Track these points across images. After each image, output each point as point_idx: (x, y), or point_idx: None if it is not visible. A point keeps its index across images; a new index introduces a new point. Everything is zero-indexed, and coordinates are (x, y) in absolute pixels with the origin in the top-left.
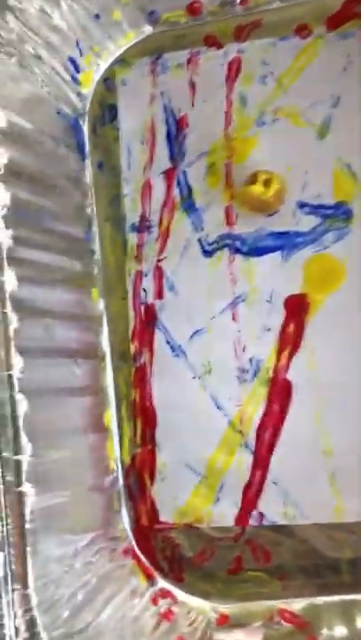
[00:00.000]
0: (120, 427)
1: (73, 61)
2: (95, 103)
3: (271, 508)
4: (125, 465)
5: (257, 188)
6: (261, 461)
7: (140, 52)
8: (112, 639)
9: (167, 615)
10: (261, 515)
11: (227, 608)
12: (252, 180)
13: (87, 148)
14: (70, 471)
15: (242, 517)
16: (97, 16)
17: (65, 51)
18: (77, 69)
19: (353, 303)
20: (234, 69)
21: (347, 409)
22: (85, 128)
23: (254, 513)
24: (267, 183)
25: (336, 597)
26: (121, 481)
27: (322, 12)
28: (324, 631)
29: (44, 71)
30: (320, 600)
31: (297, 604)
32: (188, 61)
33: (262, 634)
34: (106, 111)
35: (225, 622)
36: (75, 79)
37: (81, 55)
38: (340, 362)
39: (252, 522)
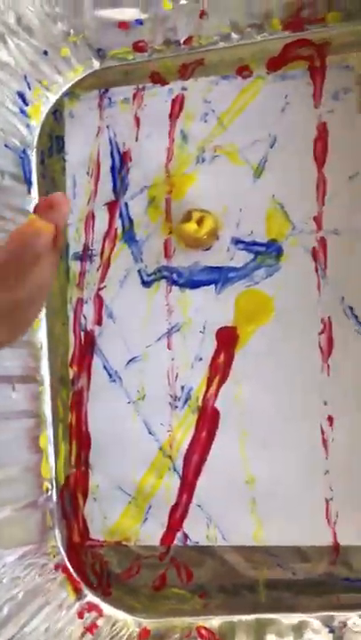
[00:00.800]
0: (56, 449)
1: (21, 95)
2: (44, 135)
3: (195, 530)
4: (60, 485)
5: (191, 226)
6: (188, 485)
7: (88, 86)
8: None
9: (91, 629)
10: (186, 535)
11: (149, 622)
12: (187, 217)
13: (34, 178)
14: (5, 489)
15: (167, 537)
16: (45, 52)
17: (13, 85)
18: (26, 102)
19: (279, 336)
20: (177, 106)
21: (269, 440)
22: (33, 159)
23: (179, 534)
24: (200, 222)
25: (252, 616)
26: (55, 500)
27: (263, 53)
28: None
29: None
30: (236, 618)
31: (215, 621)
32: (134, 96)
33: None
34: (54, 142)
35: (146, 636)
36: (23, 112)
37: (29, 89)
38: (264, 393)
39: (177, 542)
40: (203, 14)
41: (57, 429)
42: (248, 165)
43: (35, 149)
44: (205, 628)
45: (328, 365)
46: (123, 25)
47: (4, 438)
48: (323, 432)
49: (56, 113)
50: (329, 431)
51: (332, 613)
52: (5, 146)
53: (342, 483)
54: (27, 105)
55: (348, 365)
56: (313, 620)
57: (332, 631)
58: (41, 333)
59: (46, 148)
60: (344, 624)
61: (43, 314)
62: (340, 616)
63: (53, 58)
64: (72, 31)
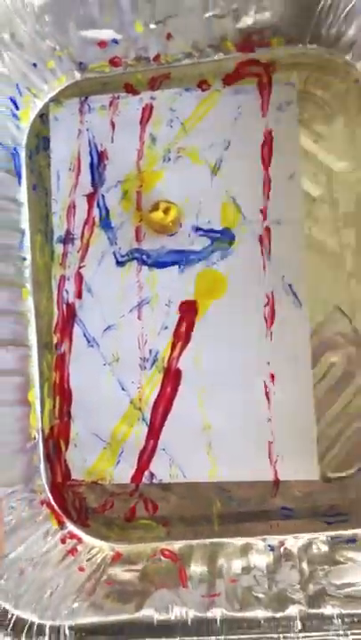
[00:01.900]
0: (42, 402)
1: (13, 101)
2: (32, 135)
3: (160, 469)
4: (45, 433)
5: (158, 215)
6: (154, 432)
7: (71, 94)
8: (26, 565)
9: (72, 551)
10: (152, 474)
11: (121, 547)
12: (155, 207)
13: (23, 172)
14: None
15: (137, 476)
16: (34, 64)
17: (7, 92)
18: (17, 107)
19: (232, 309)
20: (147, 113)
21: (223, 394)
22: (23, 155)
23: (147, 473)
24: (166, 211)
25: (206, 540)
26: (41, 446)
27: (220, 70)
28: (192, 565)
29: None
30: (194, 542)
31: (176, 545)
32: (110, 104)
33: None
34: (40, 142)
35: (119, 558)
36: (15, 115)
37: (20, 95)
38: (219, 355)
39: (145, 480)
40: (169, 36)
41: (43, 387)
42: (207, 165)
43: (24, 147)
44: (168, 550)
45: (271, 332)
46: (101, 43)
47: (1, 394)
48: (266, 387)
49: (42, 116)
50: (271, 386)
51: (272, 536)
52: (0, 144)
53: (282, 428)
54: (18, 109)
55: (286, 332)
56: (257, 541)
57: (272, 549)
58: (29, 305)
59: (34, 147)
60: (282, 543)
61: (30, 288)
62: (278, 538)
63: (41, 69)
64: (58, 47)
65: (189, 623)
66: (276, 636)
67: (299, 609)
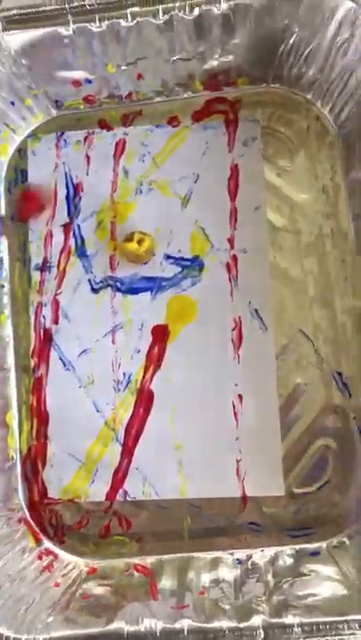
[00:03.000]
0: (20, 424)
1: None
2: (10, 168)
3: (133, 487)
4: (23, 454)
5: (132, 245)
6: (128, 452)
7: (47, 129)
8: (3, 581)
9: (49, 567)
10: (126, 492)
11: (96, 563)
12: (129, 238)
13: (2, 203)
14: None
15: (111, 494)
16: (12, 103)
17: None
18: None
19: (201, 332)
20: (120, 148)
21: (193, 414)
22: (1, 188)
23: (121, 491)
24: (140, 242)
25: (177, 555)
26: (19, 466)
27: (189, 107)
28: (163, 579)
29: None
30: (165, 557)
31: (148, 560)
32: (85, 139)
33: None
34: (18, 174)
35: (93, 573)
36: None
37: None
38: (190, 377)
39: (119, 497)
40: (139, 76)
41: (21, 409)
42: (177, 196)
43: (3, 180)
44: (141, 565)
45: (238, 355)
46: (75, 83)
47: None
48: (234, 407)
49: (20, 151)
50: (239, 406)
51: (240, 550)
52: None
53: (249, 446)
54: None
55: (253, 355)
56: (226, 555)
57: (240, 563)
58: (7, 330)
59: (12, 179)
60: (249, 557)
61: (8, 314)
62: (246, 552)
63: (19, 107)
64: (34, 86)
65: (158, 634)
66: None
67: (262, 619)
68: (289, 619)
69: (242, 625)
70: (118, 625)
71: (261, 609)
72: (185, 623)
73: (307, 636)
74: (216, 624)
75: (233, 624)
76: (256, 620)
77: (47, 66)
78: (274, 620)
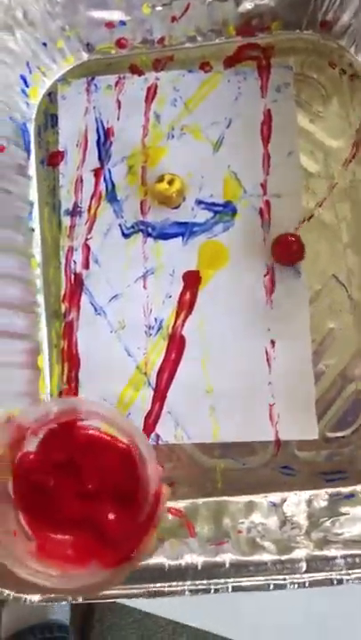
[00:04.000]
0: (51, 368)
1: (23, 78)
2: (40, 112)
3: (165, 432)
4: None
5: (162, 186)
6: (160, 396)
7: (78, 73)
8: None
9: None
10: (158, 436)
11: None
12: (160, 179)
13: (32, 147)
14: (10, 402)
15: None
16: (44, 44)
17: (17, 69)
18: (27, 84)
19: (233, 278)
20: (151, 93)
21: (225, 359)
22: (32, 131)
23: (153, 435)
24: (170, 182)
25: (211, 499)
26: None
27: (221, 53)
28: (198, 523)
29: (0, 85)
30: (199, 501)
31: (182, 503)
32: (116, 84)
33: None
34: (49, 119)
35: None
36: (24, 92)
37: (30, 73)
38: (222, 322)
39: (151, 441)
40: (174, 19)
41: (51, 353)
42: (208, 141)
43: (33, 123)
44: (174, 508)
45: (271, 300)
46: (109, 24)
47: (11, 357)
48: (267, 352)
49: (51, 95)
50: (271, 351)
51: (274, 493)
52: (10, 118)
53: (282, 391)
54: (27, 86)
55: (286, 300)
56: (259, 499)
57: (274, 506)
58: (38, 275)
59: (42, 124)
60: (284, 500)
61: (39, 259)
62: (280, 495)
63: (51, 49)
64: (67, 27)
65: (199, 568)
66: (282, 577)
67: (305, 552)
68: (331, 551)
69: (284, 557)
70: (159, 560)
71: (301, 545)
72: (226, 557)
73: (350, 568)
74: (257, 557)
75: (275, 557)
76: (298, 553)
77: (82, 5)
78: (316, 553)
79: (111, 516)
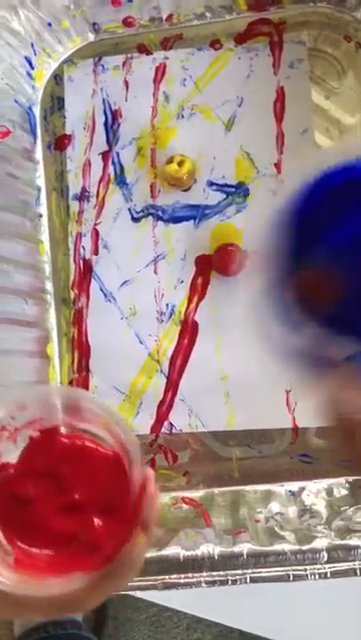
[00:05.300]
0: (60, 357)
1: (28, 60)
2: (46, 95)
3: (179, 420)
4: None
5: (172, 167)
6: (173, 383)
7: (85, 54)
8: None
9: None
10: (171, 425)
11: None
12: (169, 160)
13: (39, 131)
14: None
15: (156, 427)
16: (49, 24)
17: (21, 51)
18: (32, 67)
19: (247, 262)
20: (160, 72)
21: (239, 344)
22: (38, 115)
23: (166, 423)
24: (180, 164)
25: (227, 488)
26: None
27: (231, 30)
28: (215, 512)
29: (4, 67)
30: (216, 490)
31: (197, 493)
32: (124, 64)
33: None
34: (55, 102)
35: None
36: (29, 75)
37: (35, 55)
38: (234, 307)
39: (164, 430)
40: None
41: (61, 342)
42: (220, 121)
43: (39, 107)
44: (189, 498)
45: None
46: (115, 2)
47: (20, 345)
48: None
49: (57, 77)
50: None
51: (292, 482)
52: (15, 101)
53: (299, 377)
54: (32, 69)
55: None
56: (277, 488)
57: (292, 495)
58: (46, 261)
59: (48, 107)
60: (302, 489)
61: (47, 245)
62: (299, 484)
63: (56, 29)
64: (72, 6)
65: (216, 558)
66: (302, 568)
67: (326, 542)
68: (353, 540)
69: (304, 547)
70: (174, 550)
71: (322, 534)
72: (244, 547)
73: None
74: (277, 547)
75: (295, 547)
76: (319, 543)
77: None
78: (338, 542)
79: (98, 523)
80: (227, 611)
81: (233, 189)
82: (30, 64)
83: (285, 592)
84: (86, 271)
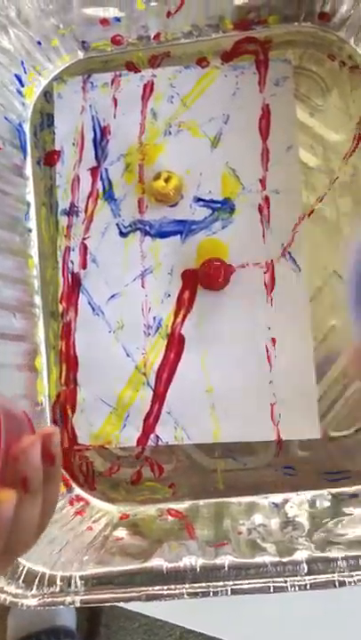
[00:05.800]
0: (48, 370)
1: (18, 78)
2: (36, 112)
3: (165, 432)
4: (52, 400)
5: (160, 183)
6: (159, 396)
7: (74, 72)
8: None
9: (80, 512)
10: (158, 437)
11: (128, 509)
12: (157, 177)
13: (28, 147)
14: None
15: (142, 439)
16: (39, 42)
17: (12, 69)
18: (22, 84)
19: (233, 276)
20: (148, 90)
21: (225, 358)
22: (27, 131)
23: (152, 436)
24: (167, 180)
25: (212, 500)
26: (48, 412)
27: (218, 48)
28: (199, 524)
29: None
30: (200, 502)
31: (182, 505)
32: (112, 81)
33: None
34: (45, 118)
35: (126, 518)
36: (19, 92)
37: (25, 73)
38: (221, 321)
39: (151, 443)
40: (169, 14)
41: (49, 355)
42: (206, 138)
43: (29, 123)
44: (175, 510)
45: (271, 298)
46: (104, 22)
47: (9, 358)
48: (267, 350)
49: (46, 94)
50: (272, 350)
51: (275, 494)
52: (5, 118)
53: (283, 390)
54: (22, 86)
55: (287, 298)
56: (261, 500)
57: (276, 506)
58: (35, 275)
59: (38, 123)
60: (286, 500)
61: (36, 259)
62: (282, 496)
63: (45, 47)
64: (61, 25)
65: (198, 570)
66: (282, 579)
67: (306, 554)
68: (333, 553)
69: (285, 559)
70: (157, 562)
71: (303, 546)
72: (226, 559)
73: (352, 570)
74: (258, 559)
75: (275, 559)
76: (299, 555)
77: (76, 2)
78: (318, 554)
79: None
80: (215, 622)
81: (219, 205)
82: (20, 81)
83: (277, 603)
84: (75, 285)
